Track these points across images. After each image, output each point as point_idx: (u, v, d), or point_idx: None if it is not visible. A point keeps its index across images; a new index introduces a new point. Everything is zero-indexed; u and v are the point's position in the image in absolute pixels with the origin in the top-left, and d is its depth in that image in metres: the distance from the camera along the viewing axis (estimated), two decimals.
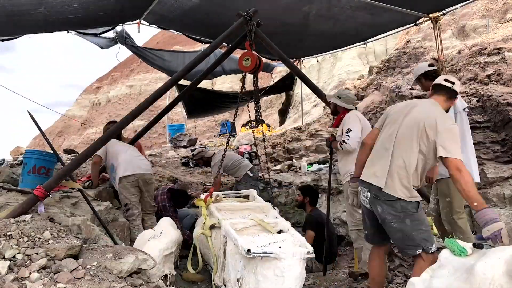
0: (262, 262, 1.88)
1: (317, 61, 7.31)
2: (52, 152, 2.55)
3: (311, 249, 1.97)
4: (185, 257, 2.68)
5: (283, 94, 13.41)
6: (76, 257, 1.69)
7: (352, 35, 4.55)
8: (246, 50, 2.83)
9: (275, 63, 6.00)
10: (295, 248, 1.98)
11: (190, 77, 3.96)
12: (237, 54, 4.38)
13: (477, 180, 2.29)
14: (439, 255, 1.72)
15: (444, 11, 3.92)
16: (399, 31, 4.82)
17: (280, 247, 1.93)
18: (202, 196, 2.81)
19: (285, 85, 6.42)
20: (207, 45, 4.22)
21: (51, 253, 1.61)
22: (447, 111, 1.87)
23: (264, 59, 5.63)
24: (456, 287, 1.46)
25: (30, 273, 1.47)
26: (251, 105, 3.54)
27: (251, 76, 2.86)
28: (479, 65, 4.69)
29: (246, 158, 5.02)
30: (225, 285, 2.10)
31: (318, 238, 2.97)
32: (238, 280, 1.91)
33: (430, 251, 1.77)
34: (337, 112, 2.69)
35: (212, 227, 2.42)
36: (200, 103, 5.49)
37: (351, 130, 2.42)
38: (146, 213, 2.96)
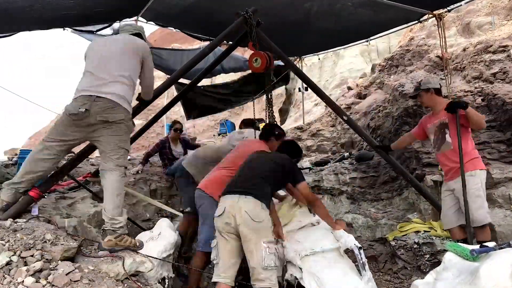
0: (345, 262, 1.94)
1: (319, 59, 7.23)
2: None
3: None
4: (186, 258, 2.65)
5: (284, 93, 13.30)
6: (72, 259, 1.67)
7: (355, 32, 4.49)
8: (247, 48, 2.77)
9: (275, 61, 5.93)
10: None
11: (189, 76, 3.93)
12: (236, 51, 4.33)
13: None
14: (443, 257, 1.68)
15: (448, 8, 3.85)
16: (402, 29, 4.75)
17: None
18: None
19: (281, 80, 6.31)
20: (206, 43, 4.17)
21: (47, 255, 1.58)
22: None
23: None
24: None
25: (25, 276, 1.44)
26: (250, 104, 3.45)
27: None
28: (484, 63, 4.61)
29: None
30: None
31: None
32: (311, 251, 1.93)
33: None
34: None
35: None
36: (199, 102, 5.44)
37: None
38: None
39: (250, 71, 4.29)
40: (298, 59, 5.84)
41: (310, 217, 2.28)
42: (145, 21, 3.88)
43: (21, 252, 1.55)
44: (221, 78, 6.47)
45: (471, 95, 4.16)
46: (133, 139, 3.60)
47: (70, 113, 1.87)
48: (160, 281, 1.89)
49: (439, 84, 2.51)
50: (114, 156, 1.91)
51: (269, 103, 2.59)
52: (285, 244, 2.02)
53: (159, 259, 1.91)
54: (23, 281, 1.42)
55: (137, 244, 1.93)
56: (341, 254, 1.98)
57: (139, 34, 2.19)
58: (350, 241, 1.96)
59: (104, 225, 1.89)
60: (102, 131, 1.90)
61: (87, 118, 1.86)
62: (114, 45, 2.03)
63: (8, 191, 1.90)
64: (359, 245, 1.95)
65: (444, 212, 2.46)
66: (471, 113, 2.30)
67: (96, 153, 2.75)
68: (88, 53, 2.05)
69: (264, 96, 2.88)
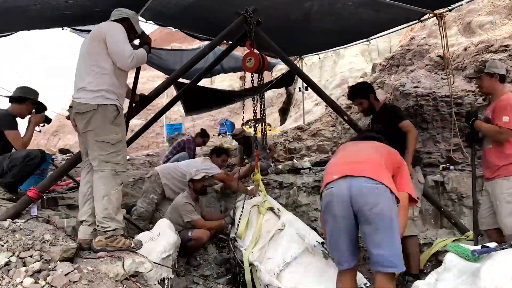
0: (318, 260, 1.94)
1: (319, 58, 7.23)
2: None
3: None
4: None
5: (284, 92, 13.30)
6: (71, 260, 1.66)
7: (355, 32, 4.48)
8: (248, 50, 2.76)
9: (275, 60, 5.94)
10: None
11: (189, 76, 3.92)
12: (236, 51, 4.32)
13: None
14: (444, 258, 1.67)
15: (449, 8, 3.83)
16: (403, 28, 4.73)
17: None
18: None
19: (284, 81, 6.35)
20: (205, 42, 4.16)
21: (46, 256, 1.57)
22: None
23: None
24: None
25: (24, 276, 1.44)
26: (250, 104, 3.45)
27: (251, 74, 2.76)
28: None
29: None
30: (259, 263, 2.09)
31: None
32: (284, 264, 1.95)
33: None
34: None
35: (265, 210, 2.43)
36: (199, 100, 5.45)
37: None
38: None
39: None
40: (298, 59, 5.83)
41: (276, 222, 2.30)
42: (145, 20, 3.87)
43: (20, 252, 1.55)
44: (221, 78, 6.46)
45: (473, 94, 4.14)
46: (132, 139, 3.60)
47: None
48: (159, 281, 1.88)
49: (505, 70, 2.33)
50: (94, 152, 1.78)
51: (261, 104, 2.65)
52: (259, 267, 2.02)
53: (158, 264, 1.90)
54: (21, 281, 1.41)
55: (132, 245, 1.86)
56: (311, 252, 2.01)
57: (126, 19, 2.01)
58: (312, 239, 1.99)
59: (95, 225, 1.85)
60: (84, 135, 1.84)
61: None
62: (84, 45, 1.93)
63: None
64: (322, 240, 1.96)
65: (481, 212, 2.38)
66: (479, 128, 2.27)
67: None
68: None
69: (265, 95, 2.87)
